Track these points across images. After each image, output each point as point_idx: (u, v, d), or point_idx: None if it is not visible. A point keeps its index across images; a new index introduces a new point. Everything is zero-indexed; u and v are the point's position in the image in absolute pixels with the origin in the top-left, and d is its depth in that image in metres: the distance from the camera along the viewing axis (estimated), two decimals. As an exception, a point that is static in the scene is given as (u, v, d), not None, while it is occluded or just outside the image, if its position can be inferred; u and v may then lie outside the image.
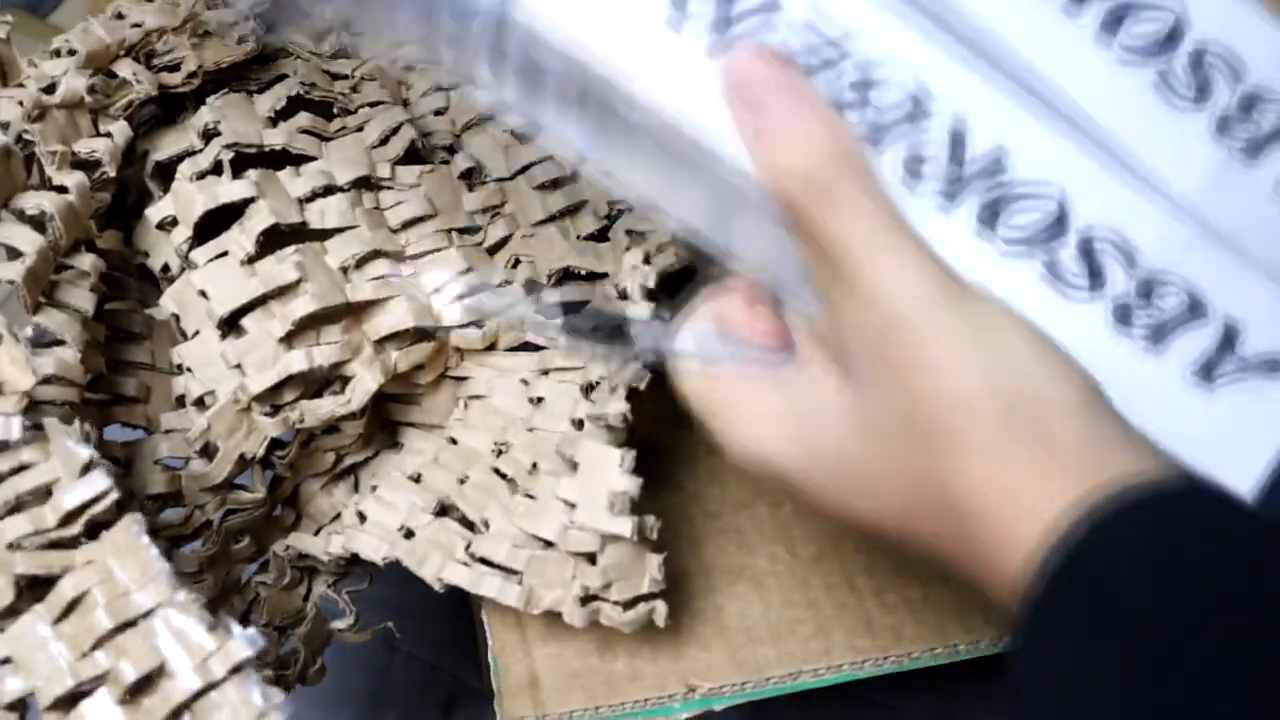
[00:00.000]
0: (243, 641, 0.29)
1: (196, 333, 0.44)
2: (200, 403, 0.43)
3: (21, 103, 0.40)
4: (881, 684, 0.44)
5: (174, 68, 0.45)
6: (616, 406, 0.41)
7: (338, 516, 0.47)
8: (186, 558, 0.43)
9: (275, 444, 0.44)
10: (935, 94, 0.31)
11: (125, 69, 0.43)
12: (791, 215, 0.28)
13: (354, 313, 0.44)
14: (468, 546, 0.43)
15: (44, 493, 0.32)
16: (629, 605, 0.41)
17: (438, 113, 0.51)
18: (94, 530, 0.31)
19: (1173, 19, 0.32)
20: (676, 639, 0.44)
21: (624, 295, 0.42)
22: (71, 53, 0.44)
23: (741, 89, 0.28)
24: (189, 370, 0.43)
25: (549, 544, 0.41)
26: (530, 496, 0.43)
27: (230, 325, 0.43)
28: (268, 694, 0.29)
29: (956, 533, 0.28)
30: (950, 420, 0.27)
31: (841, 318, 0.29)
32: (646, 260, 0.42)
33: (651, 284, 0.42)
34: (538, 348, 0.48)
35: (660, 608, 0.42)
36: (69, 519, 0.31)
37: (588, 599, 0.41)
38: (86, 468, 0.31)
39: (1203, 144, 0.33)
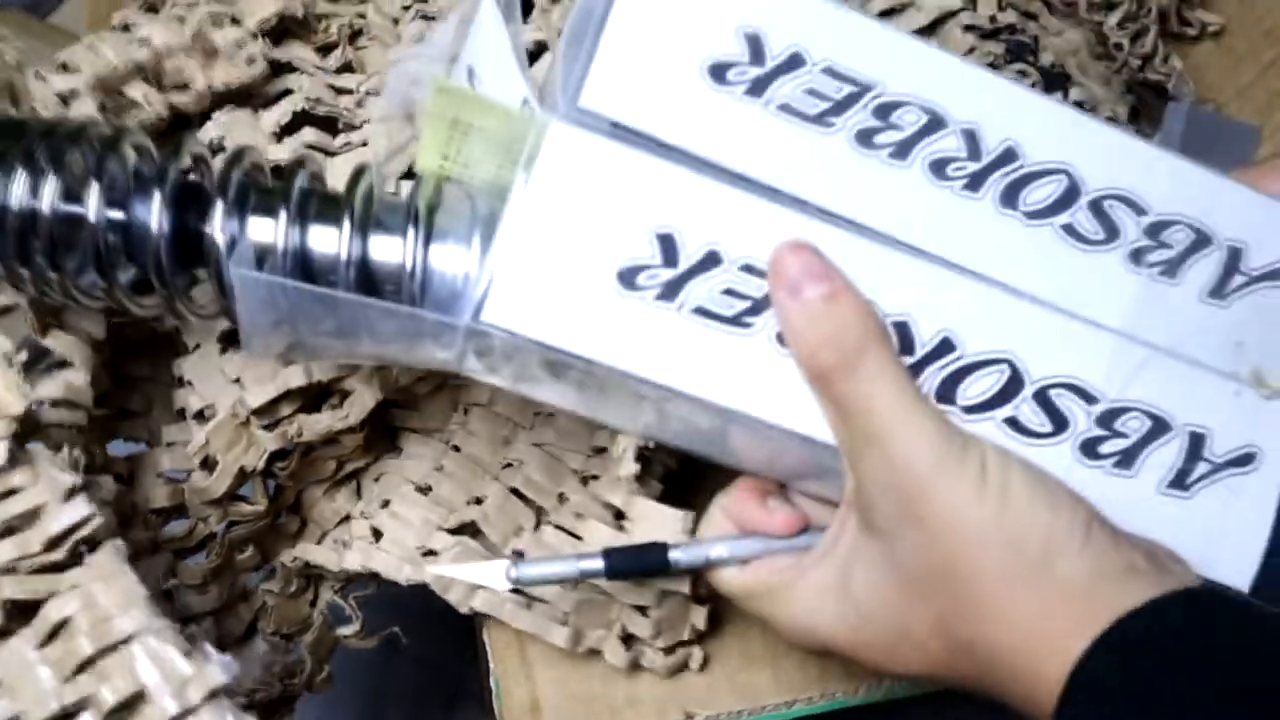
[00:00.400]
0: (218, 668, 0.30)
1: (197, 346, 0.45)
2: (200, 416, 0.44)
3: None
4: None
5: (183, 87, 0.45)
6: (628, 469, 0.40)
7: (342, 521, 0.48)
8: (191, 570, 0.44)
9: (276, 455, 0.44)
10: (877, 302, 0.33)
11: (136, 91, 0.43)
12: (822, 384, 0.32)
13: (354, 327, 0.45)
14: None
15: (33, 517, 0.32)
16: (670, 651, 0.42)
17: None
18: (79, 554, 0.32)
19: (1065, 180, 0.34)
20: (676, 665, 0.44)
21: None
22: (73, 68, 0.45)
23: (781, 277, 0.32)
24: (190, 384, 0.44)
25: (596, 587, 0.42)
26: (570, 534, 0.43)
27: (231, 340, 0.44)
28: (240, 720, 0.30)
29: (989, 670, 0.31)
30: (964, 565, 0.30)
31: (867, 477, 0.32)
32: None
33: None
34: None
35: (696, 653, 0.43)
36: (53, 544, 0.31)
37: (630, 641, 0.42)
38: (70, 493, 0.32)
39: (1121, 275, 0.34)
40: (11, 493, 0.32)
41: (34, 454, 0.32)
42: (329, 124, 0.48)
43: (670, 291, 0.32)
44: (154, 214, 0.34)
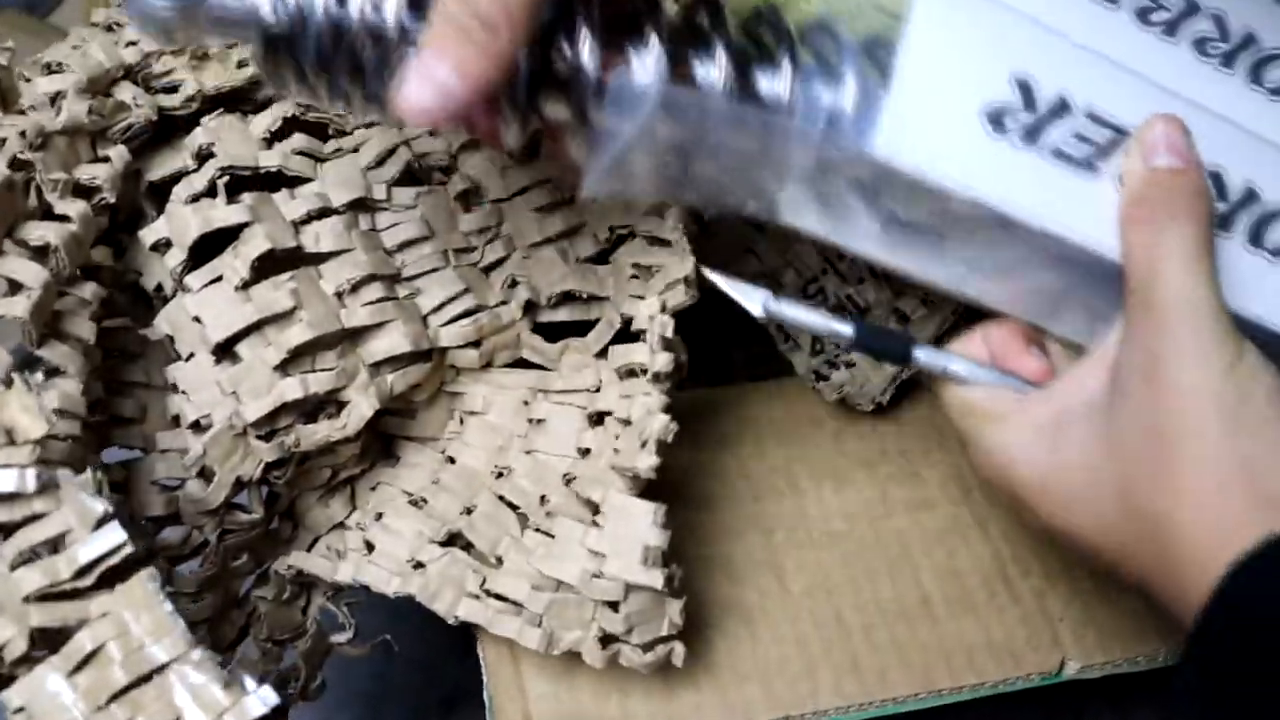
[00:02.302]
0: (257, 699, 0.30)
1: (191, 355, 0.44)
2: (196, 426, 0.44)
3: (24, 132, 0.40)
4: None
5: (172, 90, 0.44)
6: (648, 461, 0.41)
7: (336, 527, 0.48)
8: (185, 578, 0.44)
9: (272, 464, 0.44)
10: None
11: (125, 93, 0.43)
12: (1127, 231, 0.35)
13: (349, 337, 0.45)
14: (482, 583, 0.43)
15: (56, 543, 0.32)
16: (648, 648, 0.42)
17: (433, 133, 0.50)
18: (108, 581, 0.32)
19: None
20: (666, 679, 0.44)
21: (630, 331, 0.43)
22: (61, 68, 0.44)
23: (1144, 140, 0.36)
24: (184, 393, 0.44)
25: (568, 586, 0.42)
26: (547, 534, 0.43)
27: (224, 351, 0.44)
28: (281, 749, 0.30)
29: (1153, 549, 0.32)
30: (1180, 437, 0.32)
31: (1132, 332, 0.34)
32: (663, 309, 0.43)
33: (670, 334, 0.43)
34: (535, 366, 0.49)
35: (678, 649, 0.42)
36: (83, 573, 0.31)
37: (607, 640, 0.42)
38: (101, 521, 0.32)
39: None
40: (36, 518, 0.32)
41: (60, 479, 0.32)
42: (319, 129, 0.48)
43: (1031, 135, 0.36)
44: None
